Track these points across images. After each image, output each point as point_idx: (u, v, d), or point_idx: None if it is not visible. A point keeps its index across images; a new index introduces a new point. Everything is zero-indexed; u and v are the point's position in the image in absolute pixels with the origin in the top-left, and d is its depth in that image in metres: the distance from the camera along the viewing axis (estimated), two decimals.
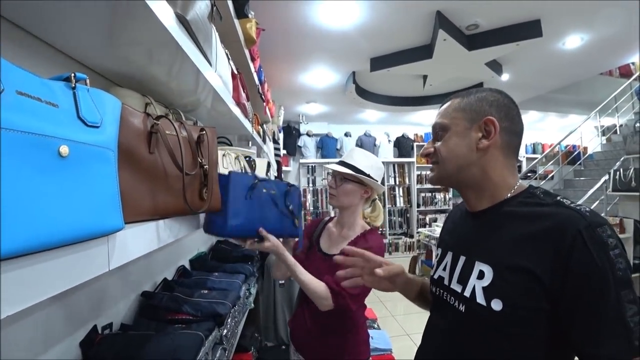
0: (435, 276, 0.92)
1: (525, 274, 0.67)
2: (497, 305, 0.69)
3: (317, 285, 1.27)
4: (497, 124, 0.78)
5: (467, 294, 0.76)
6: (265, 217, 1.10)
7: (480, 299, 0.72)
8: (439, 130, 0.86)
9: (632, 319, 0.59)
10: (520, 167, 7.93)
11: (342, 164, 1.43)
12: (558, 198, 0.74)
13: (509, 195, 0.80)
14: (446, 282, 0.86)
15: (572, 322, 0.64)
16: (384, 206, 7.55)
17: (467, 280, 0.78)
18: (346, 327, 1.40)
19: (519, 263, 0.69)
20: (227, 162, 1.32)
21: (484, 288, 0.73)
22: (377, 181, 1.42)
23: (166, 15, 0.66)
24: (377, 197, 1.57)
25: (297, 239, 1.38)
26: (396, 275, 0.96)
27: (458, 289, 0.80)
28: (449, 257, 0.89)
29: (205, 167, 0.71)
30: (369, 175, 1.40)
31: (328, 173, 1.49)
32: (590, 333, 0.62)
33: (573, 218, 0.66)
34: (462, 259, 0.83)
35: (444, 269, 0.88)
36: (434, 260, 0.98)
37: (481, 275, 0.74)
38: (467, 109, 0.82)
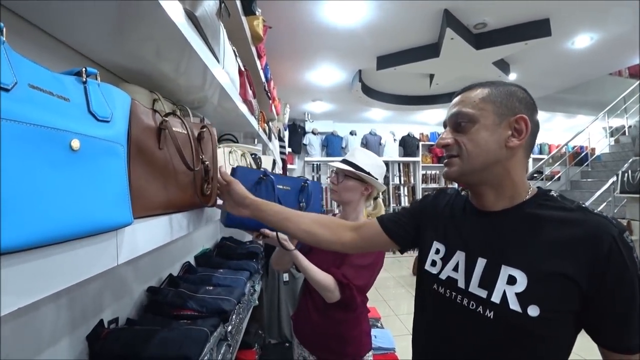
0: (443, 276, 0.87)
1: (564, 279, 0.68)
2: (534, 311, 0.69)
3: (324, 278, 1.30)
4: (529, 123, 0.76)
5: (495, 299, 0.74)
6: None
7: (514, 305, 0.71)
8: (463, 121, 0.79)
9: None
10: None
11: (345, 162, 1.50)
12: (577, 203, 0.76)
13: (527, 197, 0.79)
14: (461, 284, 0.82)
15: (605, 319, 0.69)
16: (389, 205, 7.54)
17: (494, 286, 0.75)
18: (348, 319, 1.43)
19: (556, 269, 0.69)
20: (234, 158, 1.33)
21: (517, 294, 0.71)
22: (377, 179, 1.47)
23: (175, 12, 0.66)
24: (378, 195, 1.62)
25: None
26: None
27: (481, 294, 0.77)
28: (460, 257, 0.84)
29: (206, 163, 0.72)
30: (369, 173, 1.45)
31: (332, 171, 1.55)
32: (623, 328, 0.68)
33: (605, 226, 0.68)
34: (482, 261, 0.79)
35: (455, 270, 0.84)
36: (432, 254, 0.93)
37: (512, 281, 0.73)
38: (497, 102, 0.77)
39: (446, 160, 0.84)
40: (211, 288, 1.44)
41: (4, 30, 0.30)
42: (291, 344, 2.59)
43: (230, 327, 1.30)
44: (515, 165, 0.79)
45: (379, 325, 3.00)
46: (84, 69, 0.40)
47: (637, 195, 3.93)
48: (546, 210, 0.75)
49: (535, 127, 0.79)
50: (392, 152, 7.60)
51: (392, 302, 4.59)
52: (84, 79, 0.40)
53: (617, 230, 0.68)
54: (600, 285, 0.67)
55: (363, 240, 1.04)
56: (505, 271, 0.74)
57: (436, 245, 0.93)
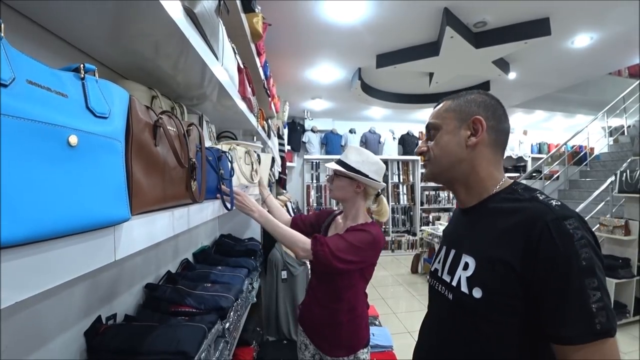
0: (432, 269, 1.00)
1: (502, 264, 0.73)
2: (477, 293, 0.76)
3: (295, 233, 1.41)
4: (484, 122, 0.85)
5: (454, 283, 0.84)
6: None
7: (464, 287, 0.80)
8: (432, 130, 0.93)
9: (596, 305, 0.64)
10: (525, 166, 7.88)
11: (338, 162, 1.56)
12: (535, 194, 0.79)
13: (494, 190, 0.87)
14: (439, 274, 0.93)
15: (540, 305, 0.69)
16: (388, 203, 7.52)
17: (455, 271, 0.85)
18: (344, 309, 1.48)
19: (496, 254, 0.75)
20: (238, 156, 1.35)
21: (467, 278, 0.80)
22: (367, 175, 1.50)
23: (174, 8, 0.66)
24: (381, 192, 1.64)
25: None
26: None
27: (447, 279, 0.87)
28: (443, 251, 0.96)
29: (192, 160, 0.72)
30: (357, 171, 1.49)
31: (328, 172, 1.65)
32: (554, 315, 0.68)
33: (542, 211, 0.72)
34: (453, 252, 0.90)
35: (439, 262, 0.96)
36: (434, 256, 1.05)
37: (466, 267, 0.82)
38: (457, 109, 0.89)
39: (424, 164, 0.97)
40: (209, 285, 1.45)
41: (2, 26, 0.30)
42: (289, 341, 2.61)
43: (228, 324, 1.31)
44: (481, 162, 0.87)
45: (377, 323, 3.01)
46: (82, 65, 0.40)
47: (636, 195, 3.93)
48: (505, 202, 0.82)
49: (497, 124, 0.87)
50: (392, 150, 7.60)
51: (391, 301, 4.60)
52: (82, 75, 0.40)
53: (555, 216, 0.70)
54: (533, 270, 0.69)
55: None
56: (464, 259, 0.84)
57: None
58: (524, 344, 0.74)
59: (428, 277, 1.02)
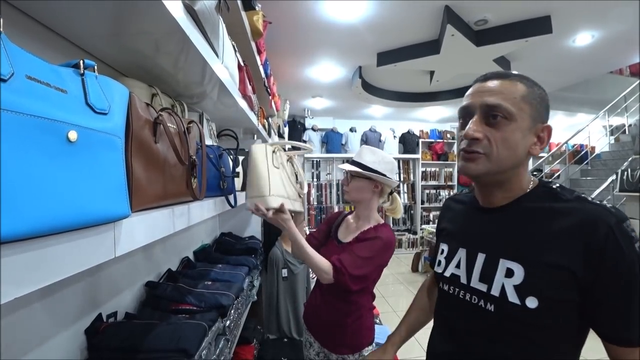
0: (447, 274, 0.89)
1: (559, 270, 0.68)
2: (532, 303, 0.69)
3: (319, 259, 1.36)
4: (551, 134, 0.77)
5: (495, 292, 0.75)
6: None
7: (512, 297, 0.72)
8: (500, 114, 0.73)
9: None
10: None
11: (352, 162, 1.54)
12: (576, 193, 0.74)
13: (527, 190, 0.80)
14: (463, 280, 0.84)
15: (602, 310, 0.67)
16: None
17: (492, 279, 0.76)
18: (350, 311, 1.47)
19: (552, 260, 0.69)
20: (277, 161, 1.28)
21: (515, 287, 0.72)
22: (385, 175, 1.49)
23: (174, 6, 0.66)
24: (394, 190, 1.65)
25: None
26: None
27: (482, 287, 0.78)
28: (462, 254, 0.87)
29: (193, 158, 0.72)
30: (375, 171, 1.47)
31: (344, 173, 1.59)
32: (617, 318, 0.66)
33: (600, 213, 0.67)
34: (482, 256, 0.81)
35: (457, 267, 0.86)
36: (439, 256, 0.96)
37: (510, 274, 0.73)
38: (534, 105, 0.75)
39: (469, 155, 0.78)
40: (210, 283, 1.45)
41: (1, 21, 0.30)
42: (290, 340, 2.61)
43: (228, 322, 1.31)
44: (526, 166, 0.81)
45: (378, 321, 3.01)
46: (81, 61, 0.40)
47: (637, 194, 3.93)
48: (545, 202, 0.75)
49: None
50: (392, 149, 7.59)
51: (391, 299, 4.61)
52: (82, 71, 0.40)
53: (615, 218, 0.67)
54: (597, 274, 0.66)
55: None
56: (503, 264, 0.75)
57: (441, 246, 0.97)
58: (573, 349, 0.73)
59: (441, 282, 0.93)
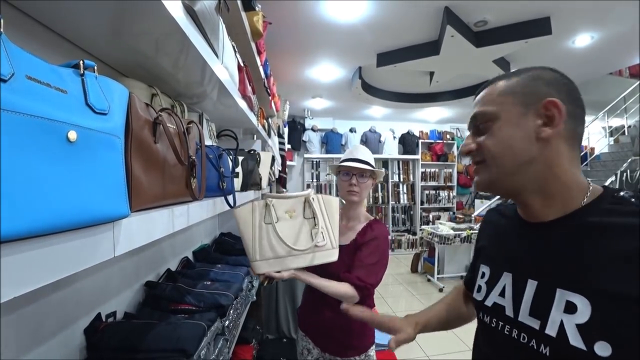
0: (488, 303, 0.75)
1: (637, 304, 0.52)
2: (603, 350, 0.53)
3: (341, 287, 1.35)
4: (561, 106, 0.63)
5: (550, 332, 0.60)
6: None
7: (575, 341, 0.56)
8: (482, 122, 0.70)
9: None
10: None
11: (359, 161, 1.51)
12: None
13: (585, 200, 0.64)
14: (509, 312, 0.69)
15: None
16: (388, 202, 7.56)
17: (548, 314, 0.62)
18: None
19: (627, 292, 0.53)
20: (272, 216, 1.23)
21: (579, 326, 0.57)
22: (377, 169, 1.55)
23: (174, 6, 0.66)
24: None
25: None
26: (407, 340, 0.90)
27: (534, 324, 0.64)
28: (507, 280, 0.72)
29: (192, 158, 0.73)
30: (374, 167, 1.53)
31: (346, 174, 1.53)
32: None
33: None
34: (533, 284, 0.66)
35: (502, 295, 0.72)
36: (478, 280, 0.83)
37: (571, 309, 0.58)
38: (519, 90, 0.67)
39: (473, 170, 0.74)
40: (209, 283, 1.45)
41: (2, 22, 0.30)
42: (289, 340, 2.61)
43: (227, 322, 1.31)
44: (559, 161, 0.65)
45: None
46: (81, 62, 0.40)
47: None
48: (614, 217, 0.60)
49: (575, 109, 0.66)
50: (392, 149, 7.60)
51: (390, 300, 4.61)
52: (82, 72, 0.40)
53: None
54: None
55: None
56: (562, 296, 0.60)
57: (482, 268, 0.83)
58: None
59: (481, 312, 0.78)
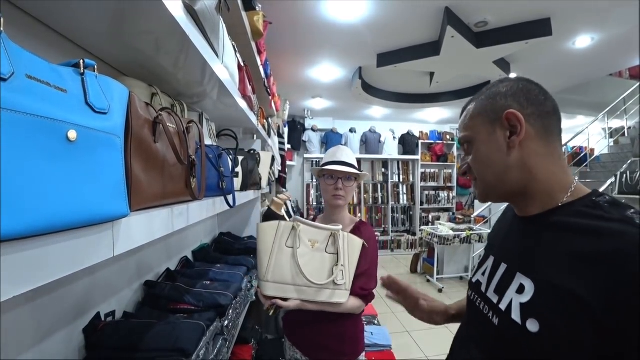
0: (474, 280, 0.87)
1: (573, 298, 0.57)
2: (533, 326, 0.61)
3: (348, 305, 1.34)
4: (519, 115, 0.69)
5: (502, 306, 0.70)
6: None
7: (515, 315, 0.65)
8: (466, 145, 0.80)
9: None
10: None
11: (344, 164, 1.48)
12: (628, 212, 0.60)
13: (565, 199, 0.69)
14: (483, 288, 0.80)
15: None
16: (387, 203, 7.57)
17: (505, 292, 0.71)
18: (349, 318, 1.42)
19: (566, 284, 0.59)
20: (296, 240, 1.23)
21: (522, 304, 0.65)
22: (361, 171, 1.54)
23: (175, 6, 0.66)
24: None
25: None
26: (436, 313, 1.05)
27: (494, 299, 0.74)
28: (490, 262, 0.83)
29: (192, 157, 0.73)
30: (359, 169, 1.52)
31: (331, 177, 1.49)
32: None
33: None
34: (503, 266, 0.76)
35: (483, 274, 0.83)
36: (478, 262, 0.94)
37: (521, 290, 0.67)
38: (483, 112, 0.75)
39: (472, 184, 0.84)
40: (208, 283, 1.45)
41: (2, 20, 0.30)
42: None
43: (226, 322, 1.31)
44: (534, 161, 0.70)
45: (376, 322, 3.01)
46: (81, 61, 0.40)
47: (636, 196, 3.94)
48: (579, 218, 0.64)
49: (537, 108, 0.71)
50: (392, 150, 7.60)
51: (390, 300, 4.60)
52: (82, 71, 0.40)
53: None
54: (624, 318, 0.52)
55: None
56: (518, 279, 0.69)
57: (482, 253, 0.96)
58: None
59: (468, 288, 0.90)
